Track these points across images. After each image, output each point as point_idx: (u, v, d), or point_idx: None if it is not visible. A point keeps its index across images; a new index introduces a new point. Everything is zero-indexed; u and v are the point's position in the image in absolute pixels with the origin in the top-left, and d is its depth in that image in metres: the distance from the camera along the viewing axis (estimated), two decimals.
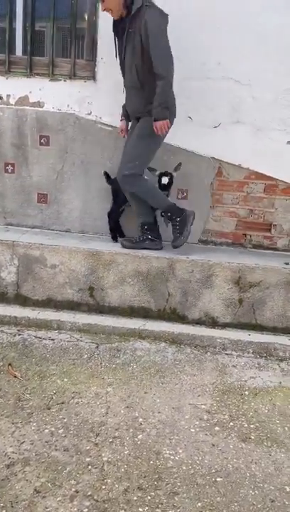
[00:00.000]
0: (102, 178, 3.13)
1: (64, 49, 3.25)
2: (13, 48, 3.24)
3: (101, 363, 2.42)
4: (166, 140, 3.11)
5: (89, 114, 3.16)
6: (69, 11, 3.13)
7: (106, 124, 3.15)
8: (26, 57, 3.19)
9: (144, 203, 2.96)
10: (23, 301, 2.91)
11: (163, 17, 2.68)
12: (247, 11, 2.92)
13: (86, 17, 3.14)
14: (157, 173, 2.95)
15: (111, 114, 3.12)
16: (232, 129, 3.07)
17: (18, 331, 2.65)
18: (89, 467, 1.68)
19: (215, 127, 3.09)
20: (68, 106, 3.16)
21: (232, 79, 3.03)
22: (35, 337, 2.60)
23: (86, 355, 2.47)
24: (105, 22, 3.00)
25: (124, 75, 2.86)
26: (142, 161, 2.85)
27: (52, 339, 2.60)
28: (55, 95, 3.15)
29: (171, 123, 2.80)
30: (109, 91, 3.10)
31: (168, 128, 2.76)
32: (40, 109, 3.19)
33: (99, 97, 3.13)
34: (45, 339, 2.59)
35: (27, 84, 3.18)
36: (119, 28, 2.75)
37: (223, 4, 2.93)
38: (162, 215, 2.94)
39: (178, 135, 3.09)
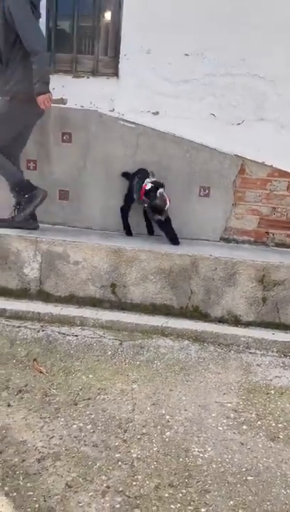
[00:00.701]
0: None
1: (87, 46, 3.25)
2: None
3: (125, 360, 2.41)
4: (189, 137, 3.12)
5: (112, 110, 3.15)
6: (92, 8, 3.12)
7: (129, 121, 3.14)
8: (49, 54, 3.19)
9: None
10: (45, 297, 2.92)
11: None
12: (272, 6, 2.89)
13: (110, 14, 3.14)
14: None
15: (133, 111, 3.12)
16: (255, 126, 3.05)
17: (42, 326, 2.66)
18: (119, 463, 1.68)
19: (239, 124, 3.07)
20: (91, 103, 3.16)
21: (257, 75, 3.00)
22: (59, 333, 2.60)
23: (110, 352, 2.47)
24: (129, 19, 3.01)
25: None
26: None
27: (75, 335, 2.60)
28: (78, 92, 3.15)
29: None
30: (132, 88, 3.10)
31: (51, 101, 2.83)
32: (63, 106, 3.19)
33: (122, 93, 3.12)
34: (69, 335, 2.59)
35: (50, 81, 3.18)
36: None
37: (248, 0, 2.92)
38: (14, 190, 2.98)
39: (201, 132, 3.09)
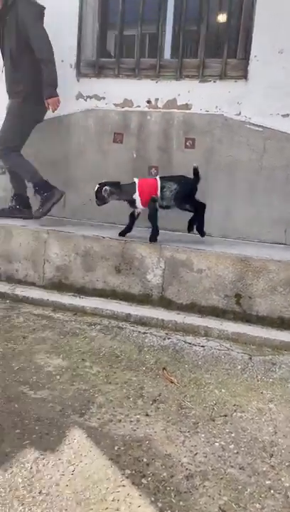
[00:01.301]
0: (248, 180, 3.01)
1: (215, 49, 3.19)
2: (162, 52, 3.27)
3: (256, 376, 2.28)
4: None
5: (238, 114, 3.05)
6: (220, 9, 3.06)
7: (256, 125, 3.02)
8: (175, 60, 3.19)
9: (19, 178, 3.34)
10: (167, 304, 2.90)
11: (34, 6, 2.96)
12: None
13: (240, 14, 3.04)
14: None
15: (261, 114, 3.00)
16: None
17: (166, 334, 2.63)
18: (272, 491, 1.55)
19: None
20: (216, 107, 3.09)
21: None
22: (185, 342, 2.55)
23: (239, 366, 2.36)
24: (262, 18, 2.89)
25: (3, 58, 3.13)
26: (8, 137, 3.10)
27: (201, 346, 2.53)
28: (203, 97, 3.11)
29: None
30: (261, 90, 2.98)
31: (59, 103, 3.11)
32: (188, 111, 3.16)
33: (250, 96, 3.01)
34: (195, 345, 2.53)
35: (176, 87, 3.18)
36: (1, 15, 3.03)
37: None
38: (34, 189, 3.24)
39: None
